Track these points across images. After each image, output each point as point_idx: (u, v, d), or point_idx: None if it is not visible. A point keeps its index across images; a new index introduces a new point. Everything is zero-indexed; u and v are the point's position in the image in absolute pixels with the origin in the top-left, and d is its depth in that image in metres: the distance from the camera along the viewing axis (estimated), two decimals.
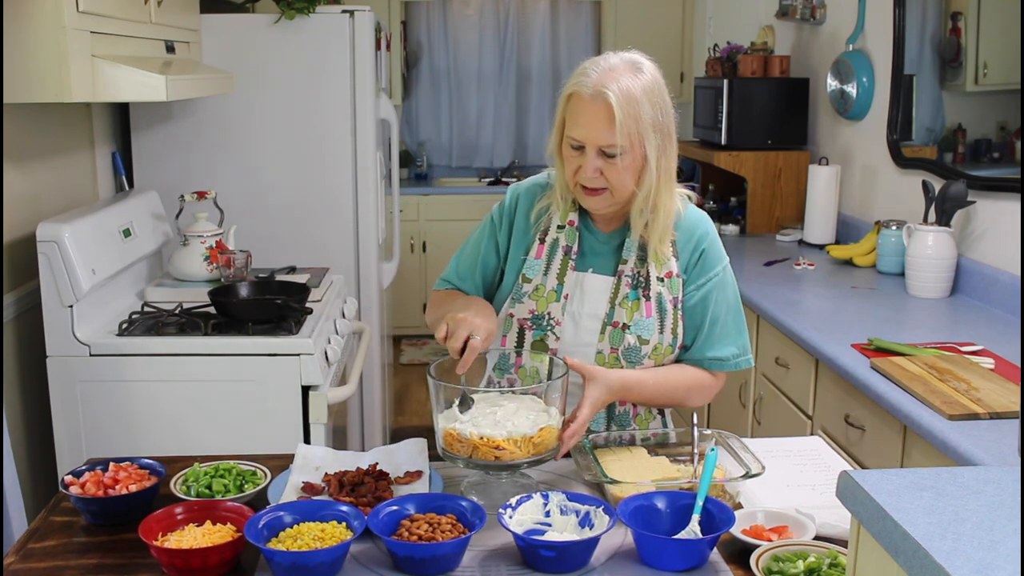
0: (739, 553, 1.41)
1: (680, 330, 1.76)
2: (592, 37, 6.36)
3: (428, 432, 1.69)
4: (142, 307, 2.65)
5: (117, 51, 2.43)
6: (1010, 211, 2.76)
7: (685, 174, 5.18)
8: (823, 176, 3.70)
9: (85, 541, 1.49)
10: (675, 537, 1.40)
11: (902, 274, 3.08)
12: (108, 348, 2.41)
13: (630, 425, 1.81)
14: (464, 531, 1.40)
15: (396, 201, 4.04)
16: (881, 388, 2.10)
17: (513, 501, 1.46)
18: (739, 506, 1.56)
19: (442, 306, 1.81)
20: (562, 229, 1.78)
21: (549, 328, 1.75)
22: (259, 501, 1.58)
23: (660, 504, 1.45)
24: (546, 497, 1.48)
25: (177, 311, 2.59)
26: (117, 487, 1.55)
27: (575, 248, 1.77)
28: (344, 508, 1.43)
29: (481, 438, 1.50)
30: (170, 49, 2.84)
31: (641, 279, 1.74)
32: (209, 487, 1.59)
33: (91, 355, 2.41)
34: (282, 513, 1.42)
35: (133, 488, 1.55)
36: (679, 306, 1.76)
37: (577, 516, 1.45)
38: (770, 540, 1.41)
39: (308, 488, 1.58)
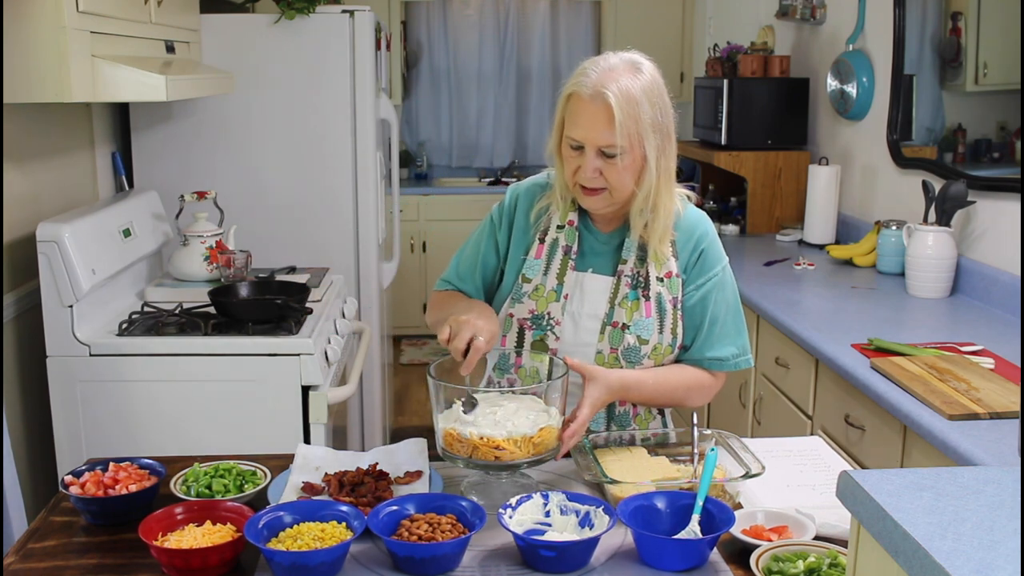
0: (739, 553, 1.42)
1: (680, 330, 1.76)
2: (592, 37, 6.36)
3: (428, 432, 1.69)
4: (142, 307, 2.65)
5: (117, 51, 2.43)
6: (1010, 211, 2.76)
7: (685, 174, 5.18)
8: (823, 176, 3.70)
9: (85, 541, 1.49)
10: (675, 537, 1.40)
11: (902, 274, 3.08)
12: (108, 348, 2.41)
13: (630, 425, 1.81)
14: (464, 531, 1.40)
15: (396, 201, 4.05)
16: (881, 388, 2.10)
17: (513, 501, 1.46)
18: (739, 506, 1.56)
19: (443, 307, 1.81)
20: (562, 229, 1.78)
21: (549, 328, 1.75)
22: (259, 501, 1.58)
23: (660, 504, 1.45)
24: (546, 497, 1.48)
25: (177, 311, 2.59)
26: (117, 487, 1.55)
27: (575, 248, 1.77)
28: (344, 508, 1.43)
29: (481, 438, 1.50)
30: (170, 49, 2.84)
31: (641, 279, 1.74)
32: (209, 487, 1.59)
33: (91, 355, 2.41)
34: (282, 513, 1.42)
35: (133, 488, 1.55)
36: (679, 306, 1.76)
37: (577, 516, 1.45)
38: (770, 540, 1.41)
39: (308, 488, 1.58)
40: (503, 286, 1.83)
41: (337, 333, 2.72)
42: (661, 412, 1.88)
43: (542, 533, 1.42)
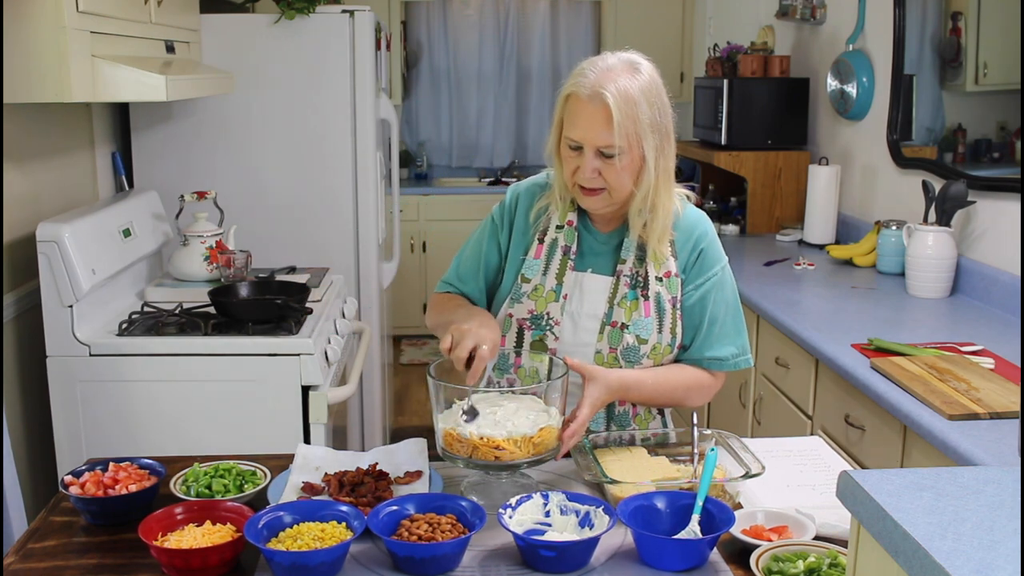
0: (739, 553, 1.42)
1: (679, 330, 1.76)
2: (592, 37, 6.36)
3: (428, 432, 1.69)
4: (142, 307, 2.65)
5: (117, 51, 2.43)
6: (1010, 211, 2.76)
7: (685, 174, 5.18)
8: (823, 176, 3.70)
9: (85, 541, 1.49)
10: (675, 537, 1.40)
11: (902, 274, 3.08)
12: (108, 348, 2.41)
13: (630, 425, 1.81)
14: (464, 531, 1.40)
15: (396, 201, 4.05)
16: (881, 388, 2.10)
17: (513, 501, 1.46)
18: (739, 506, 1.56)
19: (443, 311, 1.81)
20: (561, 229, 1.78)
21: (548, 328, 1.75)
22: (259, 501, 1.58)
23: (660, 504, 1.45)
24: (546, 497, 1.48)
25: (177, 311, 2.59)
26: (117, 487, 1.55)
27: (574, 248, 1.77)
28: (344, 508, 1.43)
29: (481, 438, 1.50)
30: (170, 49, 2.84)
31: (640, 279, 1.74)
32: (209, 487, 1.59)
33: (91, 355, 2.41)
34: (282, 513, 1.42)
35: (133, 488, 1.55)
36: (678, 306, 1.76)
37: (577, 516, 1.45)
38: (770, 540, 1.41)
39: (308, 488, 1.58)
40: (502, 286, 1.83)
41: (337, 333, 2.72)
42: (661, 412, 1.88)
43: (542, 533, 1.42)
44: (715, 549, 1.42)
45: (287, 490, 1.58)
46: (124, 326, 2.47)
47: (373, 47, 3.43)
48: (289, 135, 3.40)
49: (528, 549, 1.37)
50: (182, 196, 2.90)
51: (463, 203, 5.88)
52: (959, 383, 2.04)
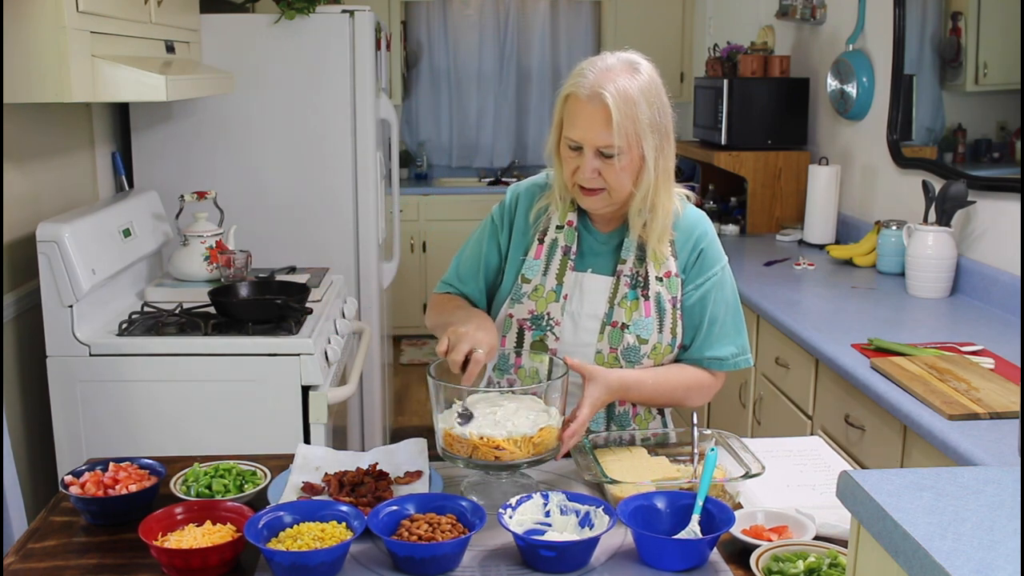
0: (739, 553, 1.42)
1: (679, 330, 1.76)
2: (592, 37, 6.36)
3: (428, 432, 1.69)
4: (142, 307, 2.65)
5: (117, 51, 2.43)
6: (1010, 211, 2.76)
7: (685, 174, 5.18)
8: (823, 176, 3.70)
9: (85, 541, 1.49)
10: (675, 537, 1.40)
11: (902, 274, 3.08)
12: (108, 348, 2.41)
13: (630, 425, 1.81)
14: (464, 531, 1.40)
15: (396, 201, 4.05)
16: (881, 388, 2.10)
17: (513, 501, 1.46)
18: (739, 506, 1.56)
19: (442, 312, 1.81)
20: (561, 229, 1.78)
21: (548, 328, 1.75)
22: (259, 501, 1.58)
23: (660, 504, 1.45)
24: (546, 497, 1.48)
25: (177, 311, 2.59)
26: (117, 487, 1.55)
27: (574, 248, 1.77)
28: (344, 508, 1.43)
29: (481, 438, 1.50)
30: (170, 49, 2.84)
31: (640, 279, 1.74)
32: (209, 487, 1.59)
33: (91, 355, 2.41)
34: (282, 513, 1.42)
35: (133, 488, 1.55)
36: (678, 306, 1.76)
37: (577, 516, 1.45)
38: (770, 540, 1.41)
39: (308, 488, 1.58)
40: (502, 287, 1.83)
41: (337, 333, 2.72)
42: (661, 412, 1.88)
43: (542, 533, 1.42)
44: (715, 549, 1.42)
45: (287, 490, 1.58)
46: (124, 326, 2.47)
47: (373, 47, 3.43)
48: (289, 135, 3.40)
49: (528, 549, 1.37)
50: (182, 196, 2.90)
51: (463, 203, 5.88)
52: (959, 383, 2.04)
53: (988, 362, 2.22)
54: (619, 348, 1.73)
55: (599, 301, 1.75)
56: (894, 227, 3.21)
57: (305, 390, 2.42)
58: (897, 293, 2.99)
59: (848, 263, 3.41)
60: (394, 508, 1.44)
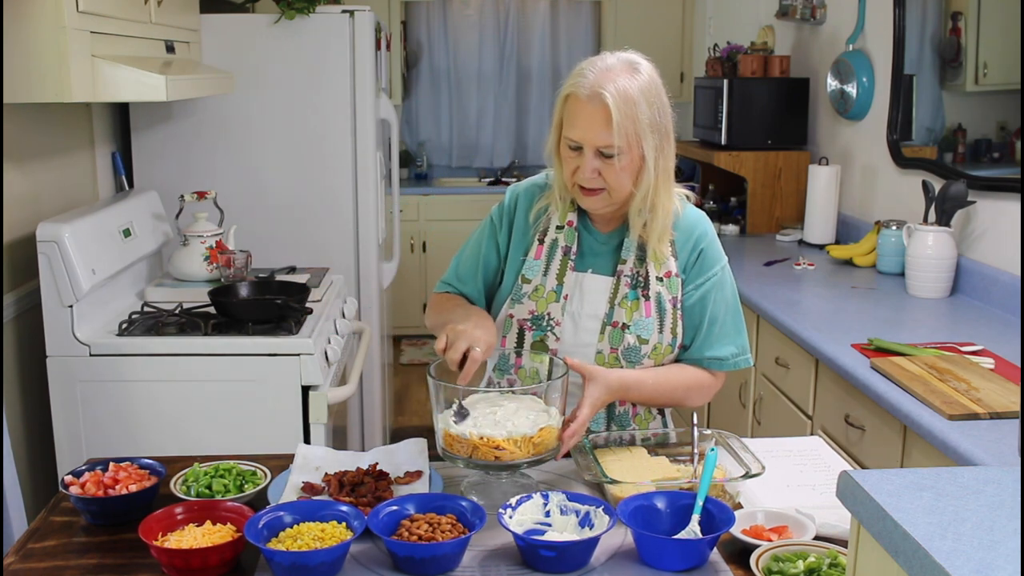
0: (739, 553, 1.42)
1: (679, 330, 1.76)
2: (592, 37, 6.36)
3: (428, 432, 1.69)
4: (142, 307, 2.65)
5: (117, 51, 2.43)
6: (1010, 211, 2.76)
7: (685, 174, 5.18)
8: (823, 176, 3.70)
9: (85, 541, 1.49)
10: (675, 537, 1.40)
11: (902, 274, 3.08)
12: (108, 348, 2.41)
13: (630, 425, 1.81)
14: (464, 531, 1.40)
15: (396, 201, 4.05)
16: (881, 388, 2.10)
17: (513, 501, 1.46)
18: (739, 506, 1.56)
19: (442, 311, 1.81)
20: (561, 229, 1.78)
21: (549, 328, 1.75)
22: (259, 501, 1.58)
23: (660, 504, 1.45)
24: (546, 497, 1.48)
25: (177, 311, 2.59)
26: (117, 487, 1.55)
27: (574, 248, 1.77)
28: (344, 508, 1.43)
29: (481, 438, 1.50)
30: (170, 49, 2.84)
31: (640, 279, 1.74)
32: (209, 487, 1.59)
33: (91, 355, 2.41)
34: (282, 513, 1.42)
35: (133, 488, 1.55)
36: (678, 306, 1.76)
37: (577, 516, 1.45)
38: (770, 540, 1.41)
39: (308, 488, 1.58)
40: (503, 287, 1.83)
41: (337, 333, 2.72)
42: (661, 412, 1.88)
43: (542, 533, 1.42)
44: (715, 549, 1.42)
45: (287, 490, 1.58)
46: (124, 326, 2.47)
47: (373, 47, 3.43)
48: (289, 135, 3.40)
49: (528, 549, 1.37)
50: (182, 196, 2.90)
51: (463, 203, 5.88)
52: (959, 383, 2.04)
53: (988, 362, 2.22)
54: (619, 348, 1.73)
55: (599, 301, 1.75)
56: (894, 227, 3.21)
57: (305, 390, 2.42)
58: (897, 293, 2.99)
59: (848, 263, 3.41)
60: (394, 508, 1.44)
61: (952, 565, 0.84)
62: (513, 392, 1.62)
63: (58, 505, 1.60)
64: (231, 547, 1.36)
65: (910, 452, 2.03)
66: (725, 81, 4.02)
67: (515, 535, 1.37)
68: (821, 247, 3.69)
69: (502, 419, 1.52)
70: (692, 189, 4.59)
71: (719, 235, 1.87)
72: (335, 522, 1.41)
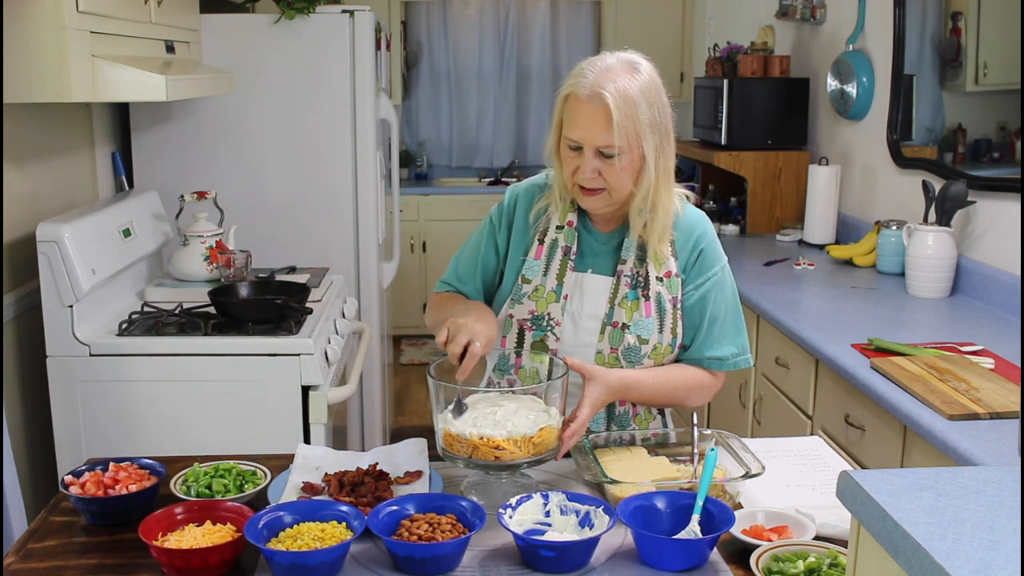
0: (739, 553, 1.42)
1: (679, 330, 1.76)
2: (592, 37, 6.36)
3: (428, 432, 1.69)
4: (142, 307, 2.65)
5: (117, 51, 2.43)
6: (1010, 211, 2.76)
7: (685, 174, 5.18)
8: (823, 176, 3.70)
9: (85, 541, 1.49)
10: (675, 537, 1.40)
11: (902, 274, 3.08)
12: (108, 348, 2.41)
13: (630, 425, 1.81)
14: (464, 531, 1.40)
15: (396, 201, 4.05)
16: (881, 388, 2.10)
17: (513, 501, 1.46)
18: (739, 506, 1.56)
19: (442, 309, 1.81)
20: (561, 229, 1.78)
21: (549, 328, 1.75)
22: (259, 501, 1.58)
23: (660, 504, 1.45)
24: (546, 497, 1.48)
25: (177, 311, 2.59)
26: (117, 487, 1.55)
27: (574, 248, 1.77)
28: (344, 508, 1.43)
29: (481, 438, 1.50)
30: (170, 49, 2.84)
31: (640, 279, 1.74)
32: (209, 487, 1.59)
33: (91, 355, 2.41)
34: (282, 513, 1.42)
35: (133, 488, 1.55)
36: (678, 306, 1.76)
37: (577, 516, 1.45)
38: (770, 540, 1.41)
39: (308, 488, 1.58)
40: (503, 287, 1.83)
41: (337, 333, 2.72)
42: (661, 412, 1.88)
43: (542, 533, 1.42)
44: (715, 549, 1.42)
45: (287, 490, 1.58)
46: (124, 326, 2.47)
47: (373, 47, 3.43)
48: (289, 135, 3.40)
49: (528, 549, 1.37)
50: (182, 196, 2.90)
51: (463, 203, 5.88)
52: (959, 383, 2.04)
53: (988, 362, 2.22)
54: (620, 348, 1.73)
55: (599, 301, 1.75)
56: (894, 227, 3.21)
57: (305, 390, 2.42)
58: (897, 293, 2.99)
59: (848, 263, 3.41)
60: (394, 508, 1.44)
61: (952, 565, 0.84)
62: (513, 392, 1.62)
63: (58, 505, 1.60)
64: (231, 547, 1.36)
65: (910, 452, 2.03)
66: (725, 81, 4.02)
67: (515, 535, 1.37)
68: (821, 247, 3.69)
69: (502, 419, 1.52)
70: (692, 189, 4.60)
71: (719, 235, 1.87)
72: (335, 522, 1.41)
